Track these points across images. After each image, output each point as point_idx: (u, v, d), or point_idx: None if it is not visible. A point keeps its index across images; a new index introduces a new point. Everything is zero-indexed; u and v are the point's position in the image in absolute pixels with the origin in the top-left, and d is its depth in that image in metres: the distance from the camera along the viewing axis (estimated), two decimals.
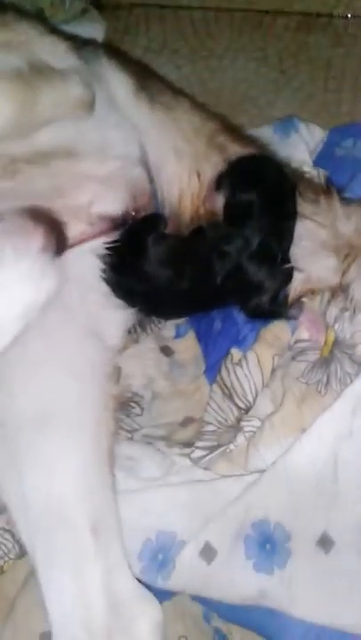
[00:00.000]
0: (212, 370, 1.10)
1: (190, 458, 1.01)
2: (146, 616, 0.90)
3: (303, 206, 1.06)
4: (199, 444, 1.02)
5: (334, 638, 0.89)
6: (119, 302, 1.07)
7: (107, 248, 1.05)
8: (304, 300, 1.10)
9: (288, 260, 1.05)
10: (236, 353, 1.08)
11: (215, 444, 1.01)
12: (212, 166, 1.10)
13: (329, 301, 1.09)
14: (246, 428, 1.01)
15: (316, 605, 0.90)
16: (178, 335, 1.17)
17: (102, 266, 1.06)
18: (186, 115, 1.15)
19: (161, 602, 0.95)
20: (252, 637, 0.96)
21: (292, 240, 1.05)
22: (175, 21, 1.73)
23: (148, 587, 0.95)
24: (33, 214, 0.86)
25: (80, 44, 1.12)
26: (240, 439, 1.01)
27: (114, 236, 1.07)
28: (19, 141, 0.95)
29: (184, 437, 1.06)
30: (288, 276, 1.05)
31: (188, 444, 1.03)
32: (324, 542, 0.92)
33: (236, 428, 1.02)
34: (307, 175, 1.17)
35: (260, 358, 1.06)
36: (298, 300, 1.09)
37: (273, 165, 1.11)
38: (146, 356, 1.14)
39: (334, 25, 1.65)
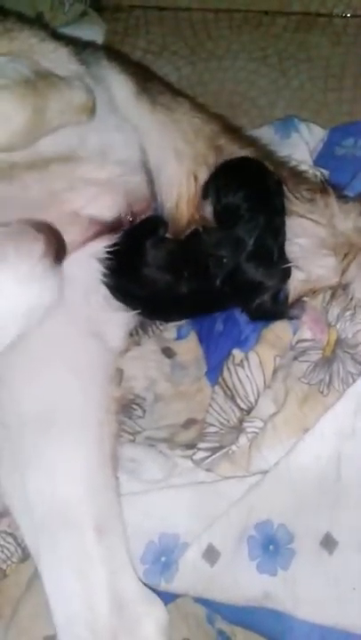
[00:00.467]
0: (214, 371, 1.10)
1: (193, 459, 1.01)
2: (151, 617, 0.90)
3: (300, 205, 1.06)
4: (201, 445, 1.02)
5: (339, 639, 0.89)
6: (121, 304, 1.07)
7: (107, 251, 1.05)
8: (306, 299, 1.09)
9: (285, 257, 1.05)
10: (237, 354, 1.07)
11: (217, 445, 1.01)
12: (210, 169, 1.10)
13: (330, 301, 1.08)
14: (249, 429, 1.01)
15: (320, 606, 0.90)
16: (179, 337, 1.17)
17: (103, 269, 1.06)
18: (186, 116, 1.15)
19: (164, 604, 0.95)
20: (255, 639, 0.96)
21: (285, 236, 1.05)
22: (175, 23, 1.73)
23: (151, 589, 0.95)
24: (35, 223, 0.88)
25: (80, 48, 1.13)
26: (242, 440, 1.00)
27: (113, 239, 1.07)
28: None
29: (186, 439, 1.06)
30: (287, 273, 1.05)
31: (191, 445, 1.03)
32: (328, 543, 0.92)
33: (239, 429, 1.02)
34: (303, 173, 1.16)
35: (261, 359, 1.06)
36: (299, 299, 1.08)
37: (254, 165, 1.11)
38: (148, 357, 1.14)
39: (334, 24, 1.64)
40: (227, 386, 1.05)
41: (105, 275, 1.06)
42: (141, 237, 1.07)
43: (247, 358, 1.06)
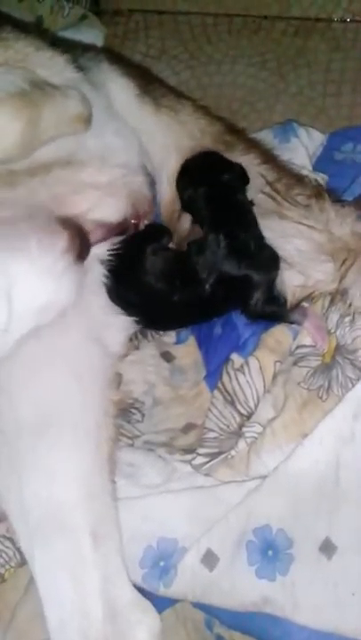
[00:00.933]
0: (213, 375, 1.10)
1: (192, 464, 1.01)
2: (144, 625, 0.90)
3: (295, 210, 1.06)
4: (201, 450, 1.01)
5: None
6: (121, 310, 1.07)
7: (109, 255, 1.05)
8: (306, 304, 1.09)
9: (264, 246, 1.05)
10: (236, 359, 1.07)
11: (217, 450, 1.01)
12: None
13: (329, 307, 1.08)
14: (248, 434, 1.01)
15: (318, 611, 0.90)
16: (178, 341, 1.17)
17: (104, 272, 1.06)
18: (191, 117, 1.16)
19: (163, 609, 0.95)
20: None
21: (257, 225, 1.05)
22: (174, 27, 1.74)
23: (149, 594, 0.95)
24: (61, 219, 0.88)
25: (80, 52, 1.13)
26: (241, 445, 1.00)
27: (117, 241, 1.07)
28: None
29: (185, 444, 1.06)
30: (273, 262, 1.05)
31: (190, 450, 1.03)
32: (327, 548, 0.92)
33: (238, 434, 1.02)
34: (299, 178, 1.16)
35: (261, 364, 1.06)
36: (298, 304, 1.08)
37: (214, 159, 1.11)
38: (146, 361, 1.14)
39: (333, 29, 1.65)
40: (226, 391, 1.05)
41: (106, 277, 1.06)
42: (143, 243, 1.07)
43: (247, 363, 1.06)
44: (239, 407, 1.04)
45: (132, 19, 1.76)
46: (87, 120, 1.01)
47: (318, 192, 1.08)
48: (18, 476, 0.95)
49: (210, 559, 0.95)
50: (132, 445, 1.07)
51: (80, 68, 1.07)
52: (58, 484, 0.94)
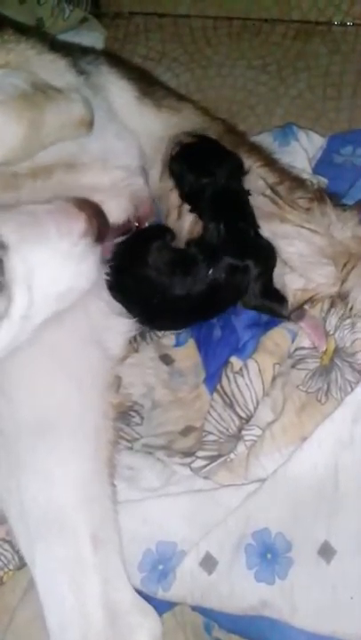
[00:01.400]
0: (212, 378, 1.10)
1: (191, 467, 1.01)
2: (144, 629, 0.90)
3: (296, 214, 1.06)
4: (200, 453, 1.01)
5: None
6: (121, 311, 1.07)
7: (112, 251, 1.06)
8: (306, 307, 1.09)
9: (260, 236, 1.06)
10: (235, 361, 1.07)
11: (216, 453, 1.01)
12: None
13: (329, 310, 1.09)
14: (247, 437, 1.01)
15: (317, 615, 0.90)
16: (178, 344, 1.17)
17: (105, 272, 1.06)
18: (192, 115, 1.17)
19: (162, 612, 0.95)
20: None
21: (254, 215, 1.06)
22: (174, 30, 1.74)
23: (148, 597, 0.95)
24: (77, 201, 0.87)
25: (80, 54, 1.13)
26: (240, 448, 1.00)
27: (119, 240, 1.08)
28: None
29: (184, 446, 1.06)
30: (270, 250, 1.05)
31: (189, 453, 1.03)
32: (326, 551, 0.92)
33: (238, 437, 1.02)
34: (300, 182, 1.17)
35: (260, 367, 1.06)
36: (298, 307, 1.08)
37: (212, 148, 1.12)
38: (146, 364, 1.14)
39: (333, 33, 1.65)
40: (225, 394, 1.05)
41: (107, 273, 1.06)
42: (147, 241, 1.07)
43: (246, 366, 1.06)
44: (238, 410, 1.04)
45: (132, 21, 1.76)
46: (90, 124, 1.01)
47: (320, 195, 1.08)
48: (17, 479, 0.95)
49: (209, 562, 0.95)
50: (131, 448, 1.07)
51: (80, 72, 1.07)
52: (57, 487, 0.94)
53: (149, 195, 1.13)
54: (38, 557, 0.93)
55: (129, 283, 1.06)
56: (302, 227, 1.05)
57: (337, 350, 1.06)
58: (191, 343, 1.17)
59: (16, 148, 0.90)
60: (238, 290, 1.05)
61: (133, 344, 1.14)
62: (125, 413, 1.09)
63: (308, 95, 1.59)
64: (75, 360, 1.01)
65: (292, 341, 1.09)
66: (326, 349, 1.07)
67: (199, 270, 1.03)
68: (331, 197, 1.10)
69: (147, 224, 1.12)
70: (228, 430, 1.03)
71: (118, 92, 1.14)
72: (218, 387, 1.06)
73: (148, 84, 1.19)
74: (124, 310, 1.08)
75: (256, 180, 1.09)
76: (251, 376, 1.05)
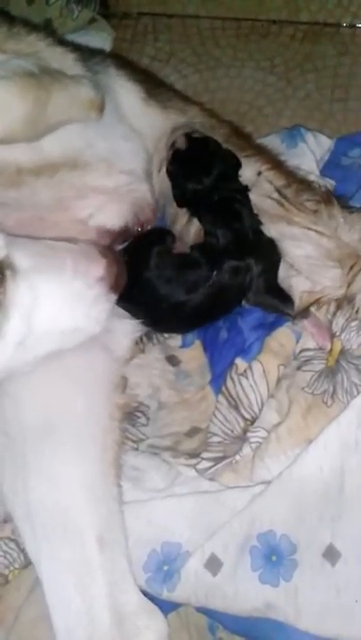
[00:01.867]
0: (218, 379, 1.10)
1: (196, 469, 1.01)
2: (151, 630, 0.90)
3: (304, 216, 1.06)
4: (205, 455, 1.02)
5: None
6: (126, 313, 1.07)
7: None
8: (311, 309, 1.09)
9: (261, 233, 1.06)
10: (240, 363, 1.07)
11: (221, 455, 1.01)
12: None
13: (335, 312, 1.08)
14: (252, 439, 1.01)
15: (321, 618, 0.90)
16: (184, 345, 1.17)
17: None
18: (199, 118, 1.16)
19: (166, 613, 0.95)
20: None
21: (252, 212, 1.06)
22: (182, 30, 1.74)
23: (152, 597, 0.95)
24: (102, 248, 0.86)
25: (88, 56, 1.13)
26: (246, 450, 1.01)
27: (121, 246, 1.07)
28: (28, 148, 0.95)
29: (190, 448, 1.06)
30: (271, 246, 1.05)
31: (194, 454, 1.03)
32: (331, 554, 0.92)
33: (243, 438, 1.02)
34: (307, 184, 1.17)
35: (265, 368, 1.06)
36: (305, 309, 1.08)
37: (204, 148, 1.11)
38: (152, 365, 1.14)
39: (341, 34, 1.65)
40: (230, 396, 1.05)
41: None
42: (149, 244, 1.07)
43: (251, 368, 1.06)
44: (243, 412, 1.04)
45: (140, 22, 1.77)
46: (99, 108, 1.01)
47: (327, 198, 1.08)
48: (23, 481, 0.95)
49: (213, 564, 0.95)
50: (136, 449, 1.07)
51: (88, 71, 1.07)
52: (63, 488, 0.94)
53: (153, 199, 1.13)
54: (44, 558, 0.93)
55: (132, 288, 1.07)
56: (310, 229, 1.05)
57: (343, 352, 1.06)
58: (197, 344, 1.17)
59: (20, 123, 0.89)
60: (241, 289, 1.06)
61: (140, 345, 1.14)
62: (131, 414, 1.09)
63: (316, 97, 1.59)
64: (80, 361, 1.01)
65: (297, 342, 1.09)
66: (332, 350, 1.07)
67: (202, 274, 1.03)
68: (338, 200, 1.10)
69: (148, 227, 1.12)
70: (232, 432, 1.04)
71: (125, 93, 1.14)
72: (223, 388, 1.06)
73: (154, 85, 1.20)
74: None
75: (263, 183, 1.09)
76: (255, 378, 1.05)
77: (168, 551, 0.97)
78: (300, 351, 1.09)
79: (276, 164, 1.15)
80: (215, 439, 1.03)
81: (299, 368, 1.06)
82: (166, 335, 1.17)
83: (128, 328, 1.09)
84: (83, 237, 1.02)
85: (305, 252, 1.05)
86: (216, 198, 1.07)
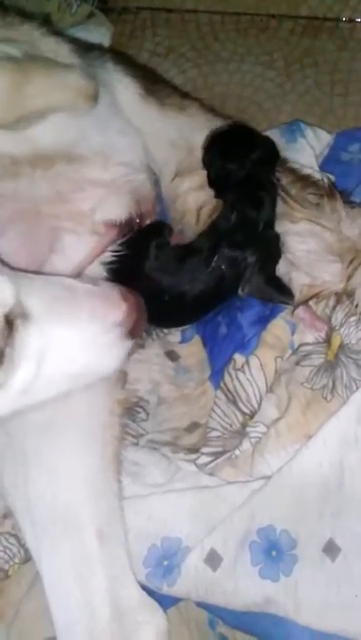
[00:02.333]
0: (218, 375, 1.10)
1: (196, 464, 1.01)
2: (150, 625, 0.90)
3: (306, 209, 1.06)
4: (205, 449, 1.02)
5: None
6: None
7: (113, 255, 1.05)
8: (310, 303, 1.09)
9: (271, 227, 1.05)
10: (238, 358, 1.07)
11: (221, 449, 1.01)
12: None
13: (335, 306, 1.09)
14: (252, 434, 1.01)
15: (322, 613, 0.90)
16: (183, 340, 1.17)
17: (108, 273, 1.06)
18: (197, 114, 1.16)
19: (166, 608, 0.95)
20: None
21: (274, 207, 1.06)
22: (181, 25, 1.73)
23: (152, 592, 0.95)
24: (123, 291, 0.81)
25: (85, 50, 1.12)
26: (245, 445, 1.01)
27: (119, 242, 1.07)
28: (20, 140, 0.94)
29: (190, 443, 1.06)
30: (274, 242, 1.05)
31: (194, 449, 1.03)
32: (331, 549, 0.92)
33: (242, 433, 1.02)
34: (310, 178, 1.17)
35: (262, 361, 1.06)
36: (304, 302, 1.08)
37: (245, 134, 1.12)
38: (151, 360, 1.14)
39: (341, 29, 1.64)
40: (228, 390, 1.06)
41: (109, 277, 1.06)
42: (147, 239, 1.07)
43: (248, 362, 1.06)
44: (241, 406, 1.05)
45: (139, 16, 1.76)
46: (91, 96, 0.99)
47: (330, 192, 1.08)
48: (24, 476, 0.95)
49: (213, 559, 0.95)
50: (136, 444, 1.07)
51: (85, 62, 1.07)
52: (63, 483, 0.94)
53: (152, 189, 1.13)
54: (44, 553, 0.93)
55: (134, 282, 1.06)
56: (312, 222, 1.05)
57: (342, 347, 1.06)
58: (197, 340, 1.17)
59: None
60: (239, 279, 1.05)
61: (139, 340, 1.14)
62: (131, 409, 1.09)
63: (316, 92, 1.58)
64: None
65: (293, 334, 1.09)
66: (331, 345, 1.07)
67: (202, 259, 1.03)
68: (340, 194, 1.10)
69: (148, 221, 1.12)
70: (231, 426, 1.04)
71: (122, 88, 1.14)
72: (221, 383, 1.07)
73: (152, 81, 1.19)
74: None
75: None
76: (253, 372, 1.05)
77: (168, 546, 0.97)
78: (299, 346, 1.09)
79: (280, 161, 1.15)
80: (214, 434, 1.03)
81: (298, 363, 1.06)
82: (166, 331, 1.17)
83: None
84: (87, 231, 1.03)
85: (307, 247, 1.05)
86: (245, 181, 1.07)
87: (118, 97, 1.12)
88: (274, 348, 1.07)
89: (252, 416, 1.04)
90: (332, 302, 1.09)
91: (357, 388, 1.00)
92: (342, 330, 1.07)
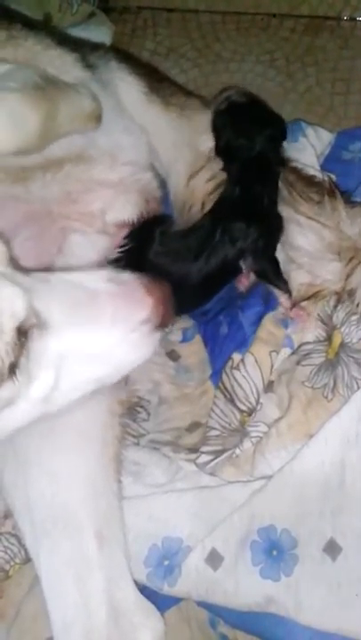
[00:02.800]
0: (218, 374, 1.10)
1: (196, 463, 1.01)
2: (147, 628, 0.90)
3: (307, 207, 1.06)
4: (205, 449, 1.02)
5: None
6: None
7: (118, 251, 1.06)
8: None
9: (275, 205, 1.06)
10: (236, 357, 1.07)
11: (220, 448, 1.01)
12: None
13: (336, 305, 1.08)
14: (253, 434, 1.01)
15: (322, 612, 0.90)
16: (184, 339, 1.17)
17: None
18: (199, 113, 1.16)
19: (167, 607, 0.95)
20: None
21: (277, 187, 1.06)
22: (182, 25, 1.73)
23: (154, 592, 0.95)
24: (150, 283, 0.78)
25: (89, 50, 1.13)
26: (246, 444, 1.01)
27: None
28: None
29: (190, 442, 1.06)
30: (277, 220, 1.06)
31: (195, 449, 1.03)
32: (331, 548, 0.92)
33: (241, 431, 1.02)
34: (311, 176, 1.17)
35: (257, 358, 1.06)
36: (304, 300, 1.08)
37: (263, 113, 1.13)
38: (152, 360, 1.13)
39: (342, 28, 1.64)
40: (226, 389, 1.05)
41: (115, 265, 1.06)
42: (151, 227, 1.07)
43: (243, 360, 1.06)
44: (239, 404, 1.04)
45: (140, 16, 1.76)
46: (98, 117, 1.01)
47: (331, 190, 1.08)
48: (24, 476, 0.95)
49: (214, 559, 0.95)
50: (137, 444, 1.07)
51: (88, 66, 1.07)
52: (63, 483, 0.94)
53: (158, 186, 1.13)
54: (43, 553, 0.93)
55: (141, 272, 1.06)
56: (313, 219, 1.05)
57: (343, 345, 1.06)
58: (198, 339, 1.17)
59: (33, 136, 0.89)
60: (241, 254, 1.05)
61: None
62: (132, 409, 1.09)
63: (317, 90, 1.58)
64: None
65: (286, 328, 1.09)
66: (332, 343, 1.06)
67: (204, 238, 1.03)
68: (341, 193, 1.10)
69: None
70: (230, 425, 1.04)
71: (126, 87, 1.14)
72: (219, 383, 1.07)
73: (156, 80, 1.19)
74: None
75: None
76: (248, 369, 1.05)
77: (169, 546, 0.97)
78: (300, 345, 1.09)
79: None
80: (213, 433, 1.03)
81: (298, 362, 1.06)
82: (167, 330, 1.17)
83: None
84: (96, 231, 1.04)
85: (308, 241, 1.05)
86: (253, 156, 1.07)
87: (122, 95, 1.13)
88: (268, 344, 1.07)
89: (250, 414, 1.04)
90: (333, 301, 1.09)
91: (358, 387, 1.00)
92: (343, 329, 1.07)
